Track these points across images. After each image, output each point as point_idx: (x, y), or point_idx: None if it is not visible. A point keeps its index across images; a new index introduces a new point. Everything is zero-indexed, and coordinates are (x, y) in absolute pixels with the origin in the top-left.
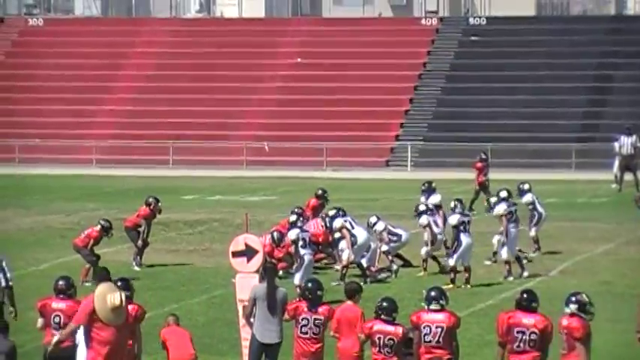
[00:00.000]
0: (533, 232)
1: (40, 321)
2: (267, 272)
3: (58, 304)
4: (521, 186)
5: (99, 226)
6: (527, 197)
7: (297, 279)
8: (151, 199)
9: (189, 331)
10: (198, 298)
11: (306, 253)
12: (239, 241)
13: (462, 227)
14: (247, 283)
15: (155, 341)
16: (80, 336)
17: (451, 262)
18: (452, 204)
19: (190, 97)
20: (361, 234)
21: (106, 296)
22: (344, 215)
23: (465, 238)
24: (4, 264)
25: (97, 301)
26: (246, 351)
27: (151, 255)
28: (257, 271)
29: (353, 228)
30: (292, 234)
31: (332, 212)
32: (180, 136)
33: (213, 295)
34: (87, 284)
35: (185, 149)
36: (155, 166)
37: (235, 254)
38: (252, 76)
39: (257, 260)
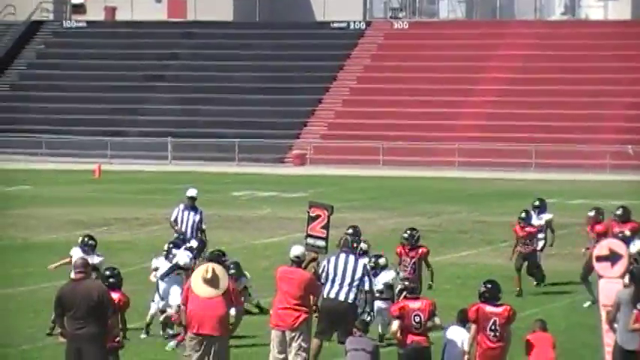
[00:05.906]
0: None
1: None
2: (634, 277)
3: (414, 304)
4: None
5: None
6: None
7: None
8: None
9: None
10: (559, 302)
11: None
12: (603, 246)
13: None
14: (611, 287)
15: (517, 344)
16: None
17: None
18: None
19: (553, 100)
20: None
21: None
22: None
23: None
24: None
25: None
26: (608, 357)
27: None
28: (621, 276)
29: None
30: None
31: None
32: (542, 139)
33: (575, 299)
34: None
35: (546, 153)
36: (516, 169)
37: (599, 259)
38: (611, 79)
39: (621, 265)
